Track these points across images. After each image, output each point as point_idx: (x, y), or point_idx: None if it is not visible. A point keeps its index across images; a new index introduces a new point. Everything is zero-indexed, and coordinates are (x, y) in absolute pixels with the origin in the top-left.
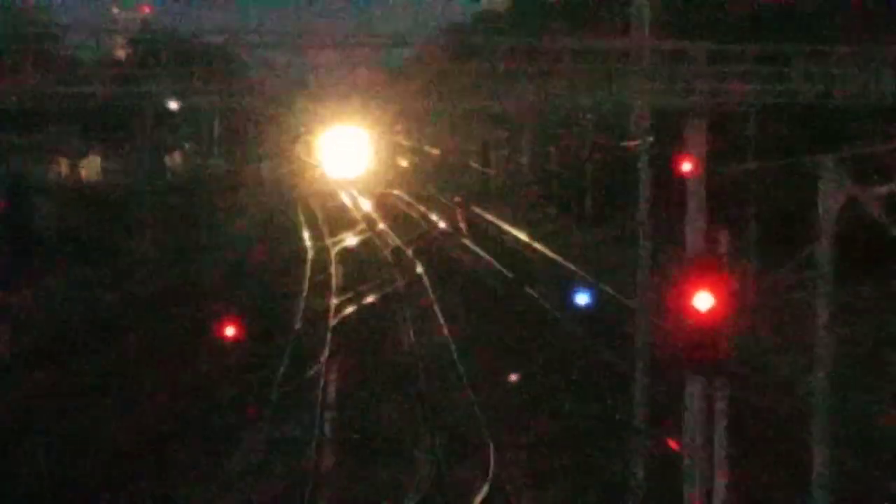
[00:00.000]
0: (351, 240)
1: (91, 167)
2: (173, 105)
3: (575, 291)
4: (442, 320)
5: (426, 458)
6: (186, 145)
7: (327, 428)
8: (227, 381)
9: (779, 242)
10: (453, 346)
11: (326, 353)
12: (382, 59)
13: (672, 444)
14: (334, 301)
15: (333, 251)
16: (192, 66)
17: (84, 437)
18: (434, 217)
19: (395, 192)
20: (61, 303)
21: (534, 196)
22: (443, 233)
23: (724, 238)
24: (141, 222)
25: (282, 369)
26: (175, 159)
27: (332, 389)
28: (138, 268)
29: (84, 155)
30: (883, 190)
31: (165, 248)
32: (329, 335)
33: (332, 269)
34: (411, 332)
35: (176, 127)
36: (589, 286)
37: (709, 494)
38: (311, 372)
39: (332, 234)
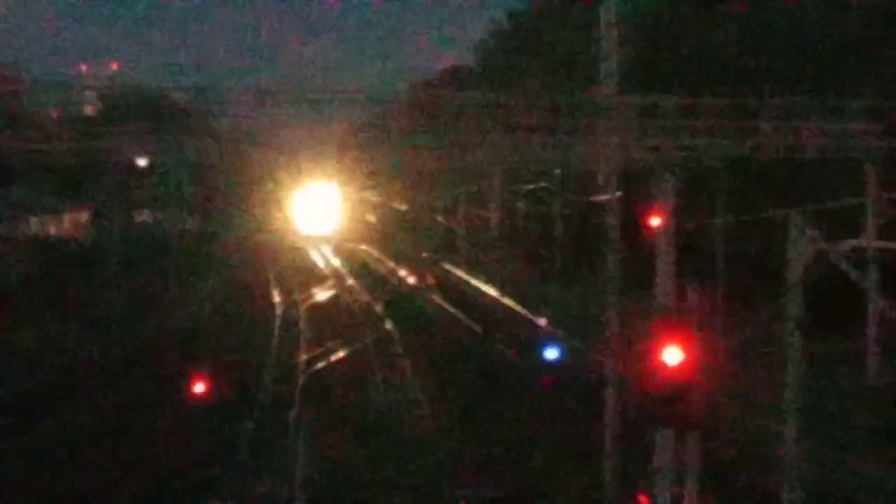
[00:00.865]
0: (320, 296)
1: (61, 224)
2: (142, 161)
3: (544, 346)
4: (412, 376)
5: None
6: (156, 202)
7: (297, 485)
8: (195, 440)
9: (749, 295)
10: (423, 402)
11: (296, 410)
12: (351, 115)
13: (643, 499)
14: (303, 356)
15: (303, 307)
16: (161, 122)
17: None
18: (403, 273)
19: (365, 247)
20: (27, 358)
21: (502, 252)
22: (412, 288)
23: (693, 292)
24: (109, 279)
25: (250, 426)
26: (144, 216)
27: (301, 445)
28: (105, 324)
29: (58, 212)
30: (851, 243)
31: (133, 304)
32: (298, 393)
33: (301, 325)
34: (381, 388)
35: (145, 183)
36: (558, 341)
37: None
38: (280, 429)
39: (302, 290)
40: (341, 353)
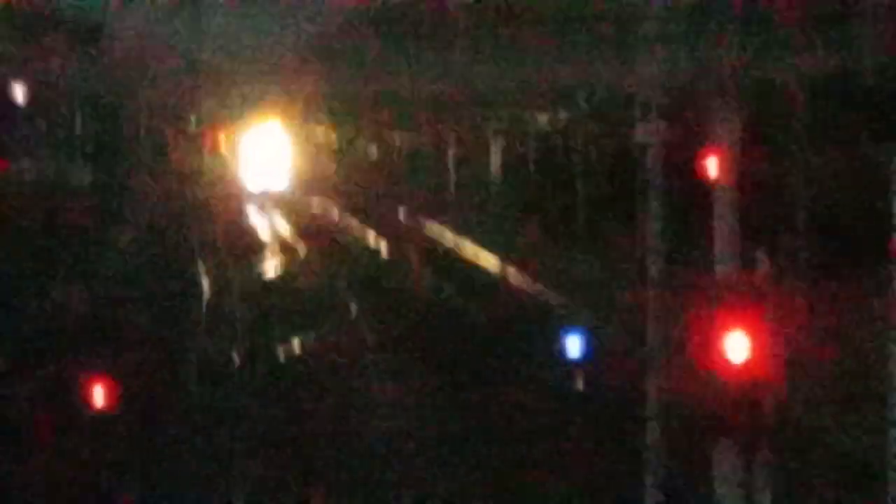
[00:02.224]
0: (261, 275)
1: None
2: (17, 93)
3: (565, 336)
4: (385, 380)
5: None
6: (38, 147)
7: None
8: (95, 466)
9: (838, 262)
10: (404, 428)
11: (228, 425)
12: (307, 27)
13: None
14: (238, 354)
15: (235, 292)
16: (42, 39)
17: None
18: (374, 239)
19: (324, 206)
20: None
21: (507, 208)
22: (387, 261)
23: (763, 260)
24: None
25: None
26: (25, 166)
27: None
28: None
29: None
30: None
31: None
32: (229, 419)
33: (236, 314)
34: (343, 408)
35: (25, 124)
36: (583, 329)
37: None
38: (206, 449)
39: (236, 264)
40: (288, 356)
